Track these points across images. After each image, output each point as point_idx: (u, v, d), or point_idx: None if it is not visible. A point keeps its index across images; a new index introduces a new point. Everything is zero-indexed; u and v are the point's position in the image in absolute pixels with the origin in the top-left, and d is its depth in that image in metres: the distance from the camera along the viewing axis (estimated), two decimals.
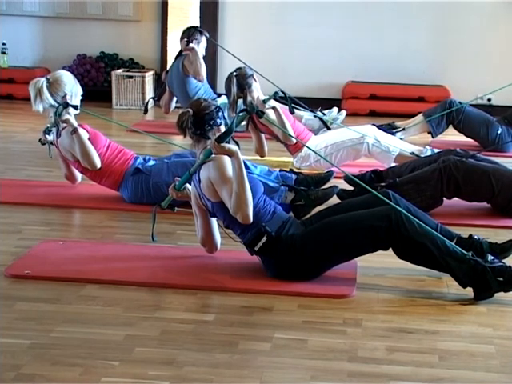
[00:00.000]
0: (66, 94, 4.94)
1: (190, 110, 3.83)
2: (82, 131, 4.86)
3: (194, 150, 3.97)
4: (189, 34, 7.16)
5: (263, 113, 3.66)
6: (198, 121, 3.80)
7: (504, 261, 3.62)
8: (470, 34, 8.47)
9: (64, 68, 8.95)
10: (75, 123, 4.85)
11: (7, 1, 8.99)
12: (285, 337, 3.14)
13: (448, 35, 8.67)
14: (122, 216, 4.73)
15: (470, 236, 3.85)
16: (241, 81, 5.90)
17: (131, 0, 8.92)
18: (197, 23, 8.80)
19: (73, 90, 5.00)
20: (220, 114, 3.85)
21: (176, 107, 7.61)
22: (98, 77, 8.93)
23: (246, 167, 4.71)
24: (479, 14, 8.51)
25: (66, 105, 4.85)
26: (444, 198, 4.78)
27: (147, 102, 7.59)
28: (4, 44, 8.88)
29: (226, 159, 3.64)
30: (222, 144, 3.58)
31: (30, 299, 3.42)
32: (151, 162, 4.95)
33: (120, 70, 8.64)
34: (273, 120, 5.46)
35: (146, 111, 7.47)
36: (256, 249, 3.65)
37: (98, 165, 4.83)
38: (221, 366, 2.88)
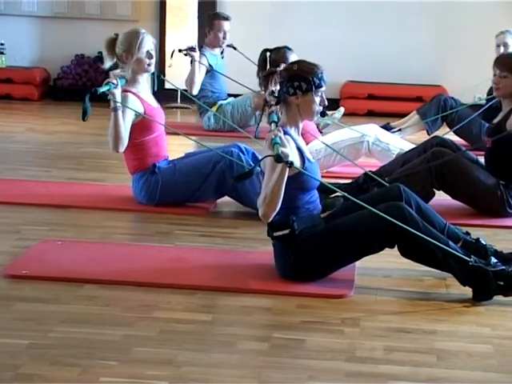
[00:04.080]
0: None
1: (296, 65, 3.68)
2: (126, 113, 4.62)
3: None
4: None
5: (292, 163, 3.51)
6: (288, 79, 3.63)
7: None
8: (468, 34, 8.48)
9: (62, 68, 8.97)
10: (118, 102, 4.58)
11: (5, 1, 8.99)
12: (283, 337, 3.13)
13: (446, 35, 8.68)
14: (121, 216, 4.72)
15: (477, 240, 3.84)
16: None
17: (129, 0, 8.93)
18: (195, 23, 8.81)
19: None
20: (313, 84, 3.61)
21: (173, 107, 7.58)
22: (96, 77, 8.92)
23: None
24: (477, 13, 8.52)
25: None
26: (442, 197, 4.80)
27: (172, 52, 7.09)
28: (2, 44, 8.88)
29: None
30: (280, 147, 3.37)
31: (28, 299, 3.41)
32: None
33: (118, 70, 8.61)
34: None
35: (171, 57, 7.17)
36: (275, 235, 3.62)
37: (118, 150, 4.67)
38: (219, 366, 2.88)
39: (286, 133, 3.58)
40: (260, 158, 4.76)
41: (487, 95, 6.74)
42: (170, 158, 4.93)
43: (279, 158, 3.33)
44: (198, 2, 8.82)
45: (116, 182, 5.44)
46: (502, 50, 6.71)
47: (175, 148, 6.13)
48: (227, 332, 3.16)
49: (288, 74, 3.67)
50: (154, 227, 4.52)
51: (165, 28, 8.85)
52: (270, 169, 3.49)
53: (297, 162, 3.57)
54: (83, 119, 4.54)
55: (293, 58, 5.78)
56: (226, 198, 4.84)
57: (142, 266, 3.82)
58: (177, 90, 8.17)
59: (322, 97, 3.68)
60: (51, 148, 6.50)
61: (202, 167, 4.73)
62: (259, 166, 3.62)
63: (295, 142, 3.65)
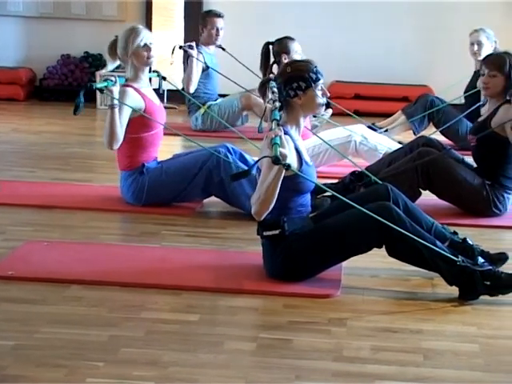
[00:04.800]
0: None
1: (289, 67, 3.67)
2: (123, 108, 4.58)
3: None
4: None
5: (290, 166, 3.48)
6: (286, 82, 3.62)
7: None
8: (455, 34, 8.50)
9: (48, 68, 8.95)
10: (115, 98, 4.55)
11: None
12: (270, 337, 3.13)
13: (432, 35, 8.71)
14: (107, 216, 4.71)
15: (464, 240, 3.85)
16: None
17: (115, 0, 8.91)
18: (181, 23, 8.80)
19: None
20: (311, 80, 3.61)
21: (166, 107, 7.51)
22: (82, 77, 8.90)
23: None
24: (463, 14, 8.55)
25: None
26: (429, 197, 4.81)
27: (173, 49, 6.92)
28: None
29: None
30: (279, 148, 3.36)
31: (14, 300, 3.40)
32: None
33: (103, 70, 8.60)
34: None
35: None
36: (264, 234, 3.61)
37: (112, 148, 4.62)
38: (206, 366, 2.87)
39: (286, 132, 3.58)
40: (247, 158, 4.78)
41: (464, 93, 6.77)
42: (159, 159, 4.92)
43: (277, 160, 3.32)
44: (184, 2, 8.82)
45: (102, 182, 5.43)
46: (475, 48, 6.72)
47: (162, 148, 6.12)
48: (214, 332, 3.16)
49: (284, 78, 3.66)
50: (141, 227, 4.51)
51: (151, 28, 8.82)
52: (267, 168, 3.48)
53: (294, 164, 3.57)
54: (74, 113, 4.52)
55: (295, 46, 5.80)
56: (213, 198, 4.83)
57: (128, 267, 3.81)
58: (162, 90, 8.15)
59: (322, 89, 3.68)
60: (36, 148, 6.47)
61: (189, 167, 4.72)
62: (256, 167, 3.60)
63: (294, 143, 3.64)
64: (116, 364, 2.85)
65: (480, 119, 4.96)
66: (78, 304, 3.37)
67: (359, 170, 4.92)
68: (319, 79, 3.66)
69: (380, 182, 4.30)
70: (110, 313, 3.30)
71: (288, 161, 3.38)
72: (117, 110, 4.57)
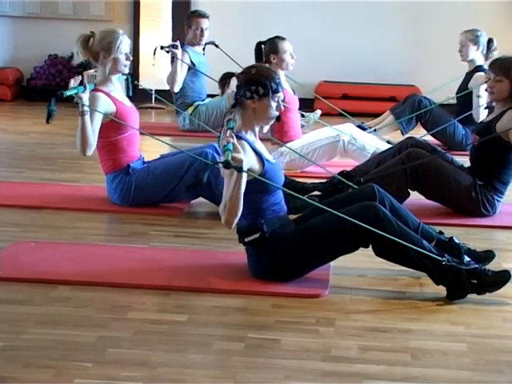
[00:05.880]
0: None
1: (254, 69, 3.67)
2: (94, 114, 4.58)
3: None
4: None
5: (241, 169, 3.47)
6: (246, 82, 3.62)
7: None
8: (442, 34, 8.54)
9: (35, 68, 8.93)
10: (86, 105, 4.52)
11: None
12: (258, 337, 3.13)
13: (420, 35, 8.74)
14: (94, 217, 4.70)
15: (451, 239, 3.86)
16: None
17: (103, 0, 8.90)
18: (169, 23, 8.80)
19: None
20: (271, 89, 3.59)
21: (148, 107, 7.53)
22: (69, 77, 8.84)
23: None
24: (451, 14, 8.58)
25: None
26: (415, 197, 4.81)
27: (155, 49, 6.91)
28: None
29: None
30: (231, 153, 3.34)
31: (2, 301, 3.39)
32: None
33: (92, 71, 8.57)
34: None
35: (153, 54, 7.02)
36: (246, 240, 3.61)
37: (85, 154, 4.61)
38: (194, 367, 2.87)
39: (240, 137, 3.57)
40: None
41: (456, 94, 6.80)
42: (146, 160, 4.92)
43: (227, 165, 3.31)
44: (172, 2, 8.81)
45: (89, 182, 5.42)
46: (460, 49, 6.74)
47: (150, 148, 6.12)
48: (202, 332, 3.16)
49: (245, 78, 3.66)
50: (129, 228, 4.51)
51: (138, 28, 8.83)
52: (227, 175, 3.48)
53: (255, 165, 3.57)
54: (47, 121, 4.51)
55: (286, 45, 5.80)
56: (201, 199, 4.83)
57: (116, 267, 3.80)
58: (151, 90, 8.14)
59: (278, 102, 3.67)
60: (24, 149, 6.46)
61: (176, 168, 4.72)
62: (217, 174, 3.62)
63: (251, 145, 3.62)
64: (104, 365, 2.84)
65: (485, 120, 4.97)
66: (66, 304, 3.37)
67: (334, 175, 4.88)
68: (278, 91, 3.64)
69: (356, 187, 4.29)
70: (98, 313, 3.29)
71: (245, 163, 3.39)
72: (87, 116, 4.55)
